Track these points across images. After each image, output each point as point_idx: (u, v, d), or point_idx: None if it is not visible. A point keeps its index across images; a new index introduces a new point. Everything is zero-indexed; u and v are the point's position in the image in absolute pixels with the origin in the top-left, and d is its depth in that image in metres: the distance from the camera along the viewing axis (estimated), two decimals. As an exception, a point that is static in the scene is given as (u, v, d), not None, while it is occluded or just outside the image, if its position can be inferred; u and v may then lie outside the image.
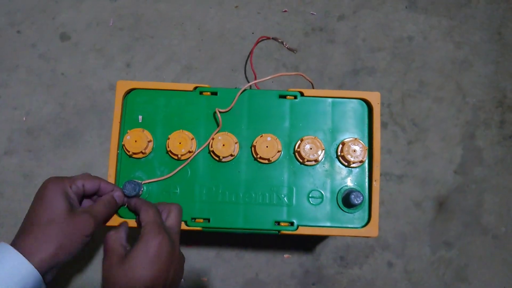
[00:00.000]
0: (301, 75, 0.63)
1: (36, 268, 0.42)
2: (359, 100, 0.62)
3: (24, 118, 0.84)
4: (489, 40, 0.89)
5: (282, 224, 0.59)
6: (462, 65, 0.88)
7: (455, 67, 0.88)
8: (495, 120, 0.87)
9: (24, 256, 0.41)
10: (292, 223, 0.59)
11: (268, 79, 0.63)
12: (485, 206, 0.85)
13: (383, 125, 0.86)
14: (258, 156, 0.59)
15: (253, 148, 0.60)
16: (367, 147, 0.59)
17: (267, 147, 0.59)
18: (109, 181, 0.59)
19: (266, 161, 0.60)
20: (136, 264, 0.45)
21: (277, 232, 0.59)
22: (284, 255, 0.82)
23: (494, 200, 0.85)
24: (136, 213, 0.55)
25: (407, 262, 0.83)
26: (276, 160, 0.60)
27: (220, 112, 0.60)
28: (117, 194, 0.55)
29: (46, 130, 0.84)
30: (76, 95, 0.85)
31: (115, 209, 0.55)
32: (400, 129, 0.86)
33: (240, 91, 0.61)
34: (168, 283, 0.47)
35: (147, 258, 0.46)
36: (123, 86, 0.61)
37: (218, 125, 0.60)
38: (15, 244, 0.43)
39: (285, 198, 0.60)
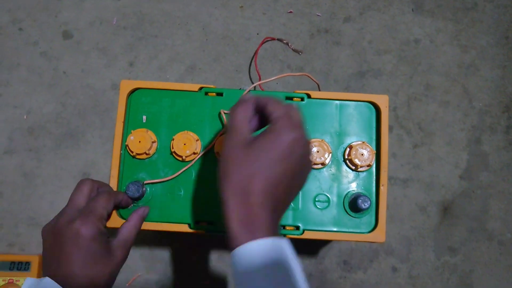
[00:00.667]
0: (307, 75, 0.62)
1: None
2: (366, 103, 0.61)
3: (25, 117, 0.83)
4: (496, 44, 0.89)
5: (287, 228, 0.58)
6: (469, 69, 0.88)
7: (462, 71, 0.87)
8: (502, 125, 0.86)
9: None
10: (297, 227, 0.58)
11: (273, 80, 0.62)
12: (491, 212, 0.84)
13: (388, 128, 0.85)
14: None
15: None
16: (374, 151, 0.59)
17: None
18: (111, 182, 0.58)
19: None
20: (264, 155, 0.39)
21: (282, 236, 0.58)
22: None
23: (500, 206, 0.84)
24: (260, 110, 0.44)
25: (411, 267, 0.82)
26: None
27: (225, 113, 0.59)
28: (143, 213, 0.56)
29: (47, 130, 0.83)
30: (78, 94, 0.84)
31: (142, 219, 0.56)
32: (406, 133, 0.85)
33: (245, 92, 0.60)
34: (291, 187, 0.41)
35: (277, 151, 0.39)
36: (127, 86, 0.60)
37: (223, 126, 0.59)
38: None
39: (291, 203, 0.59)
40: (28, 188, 0.81)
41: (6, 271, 0.77)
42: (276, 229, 0.40)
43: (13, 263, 0.77)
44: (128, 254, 0.50)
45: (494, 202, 0.84)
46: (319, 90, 0.64)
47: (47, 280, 0.43)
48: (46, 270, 0.46)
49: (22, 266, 0.77)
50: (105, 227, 0.50)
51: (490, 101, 0.87)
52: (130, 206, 0.58)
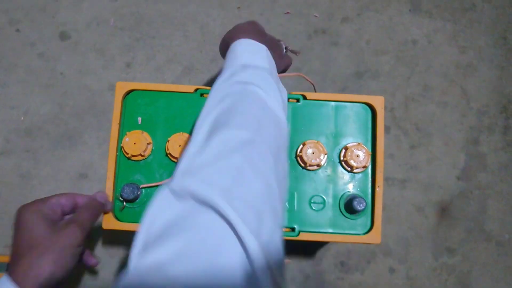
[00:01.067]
0: (301, 75, 0.62)
1: None
2: (362, 104, 0.61)
3: (22, 118, 0.83)
4: (494, 45, 0.88)
5: (283, 230, 0.58)
6: (467, 69, 0.87)
7: (460, 71, 0.87)
8: (499, 125, 0.86)
9: (20, 286, 0.40)
10: (293, 229, 0.58)
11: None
12: (489, 213, 0.84)
13: (386, 129, 0.85)
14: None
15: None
16: (370, 152, 0.58)
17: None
18: (107, 183, 0.58)
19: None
20: None
21: None
22: (285, 260, 0.81)
23: (498, 206, 0.84)
24: None
25: (409, 268, 0.82)
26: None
27: None
28: (99, 195, 0.54)
29: (44, 131, 0.83)
30: (75, 96, 0.84)
31: (99, 210, 0.52)
32: (403, 134, 0.85)
33: None
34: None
35: None
36: (122, 87, 0.60)
37: None
38: (10, 274, 0.42)
39: (286, 204, 0.58)
40: (25, 189, 0.81)
41: (3, 272, 0.77)
42: None
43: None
44: (82, 233, 0.46)
45: (492, 203, 0.84)
46: (315, 91, 0.63)
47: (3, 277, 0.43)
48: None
49: (19, 267, 0.77)
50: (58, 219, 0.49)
51: (488, 102, 0.86)
52: (122, 208, 0.57)
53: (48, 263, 0.42)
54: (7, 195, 0.81)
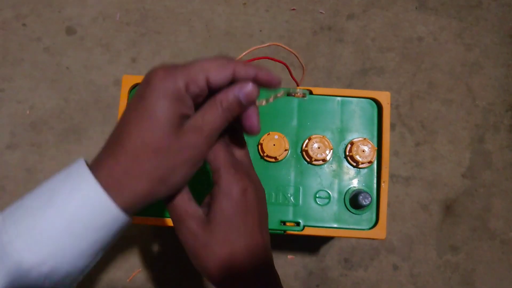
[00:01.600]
0: (278, 45, 0.61)
1: (122, 210, 0.30)
2: (368, 99, 0.61)
3: (27, 112, 0.84)
4: (500, 43, 0.88)
5: (288, 224, 0.58)
6: (473, 67, 0.87)
7: (465, 69, 0.87)
8: (505, 123, 0.86)
9: (108, 192, 0.30)
10: (298, 224, 0.58)
11: (243, 55, 0.61)
12: (493, 211, 0.84)
13: (391, 126, 0.85)
14: (265, 154, 0.58)
15: (259, 146, 0.58)
16: (376, 148, 0.58)
17: (274, 145, 0.58)
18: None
19: (273, 160, 0.58)
20: (226, 230, 0.35)
21: (282, 232, 0.58)
22: (288, 256, 0.81)
23: (503, 204, 0.84)
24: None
25: (413, 265, 0.82)
26: (283, 159, 0.59)
27: None
28: (246, 91, 0.33)
29: (50, 125, 0.83)
30: (80, 90, 0.84)
31: (232, 112, 0.34)
32: (408, 131, 0.85)
33: None
34: (264, 225, 0.38)
35: (236, 218, 0.35)
36: (129, 81, 0.60)
37: None
38: (96, 171, 0.31)
39: (291, 198, 0.58)
40: (30, 182, 0.82)
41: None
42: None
43: (15, 257, 0.77)
44: (207, 147, 0.33)
45: (497, 201, 0.84)
46: (299, 61, 0.62)
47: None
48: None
49: (23, 261, 0.77)
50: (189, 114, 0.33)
51: (493, 100, 0.86)
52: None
53: (151, 181, 0.31)
54: (12, 189, 0.81)
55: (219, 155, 0.36)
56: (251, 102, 0.34)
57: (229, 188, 0.35)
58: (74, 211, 0.30)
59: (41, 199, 0.30)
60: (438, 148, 0.85)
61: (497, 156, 0.85)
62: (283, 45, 0.57)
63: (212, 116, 0.33)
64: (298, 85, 0.59)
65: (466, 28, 0.88)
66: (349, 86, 0.86)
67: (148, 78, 0.31)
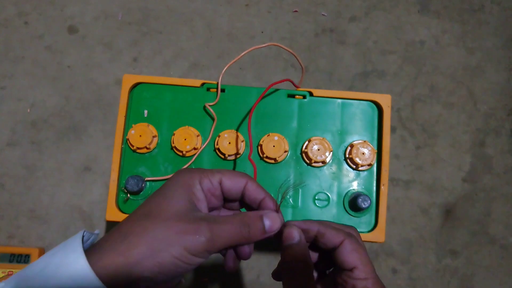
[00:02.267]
0: (277, 45, 0.60)
1: (99, 274, 0.30)
2: (369, 102, 0.61)
3: (28, 110, 0.84)
4: (503, 47, 0.88)
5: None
6: (474, 71, 0.87)
7: (467, 73, 0.87)
8: (506, 128, 0.85)
9: (98, 253, 0.31)
10: (297, 225, 0.58)
11: (241, 57, 0.61)
12: (493, 216, 0.83)
13: (392, 129, 0.84)
14: (265, 155, 0.58)
15: (259, 147, 0.58)
16: (376, 150, 0.58)
17: (274, 146, 0.58)
18: (112, 175, 0.58)
19: (273, 161, 0.58)
20: None
21: None
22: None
23: (503, 209, 0.83)
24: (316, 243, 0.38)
25: (412, 269, 0.82)
26: (283, 160, 0.59)
27: (210, 105, 0.59)
28: (270, 220, 0.35)
29: (50, 123, 0.83)
30: (81, 89, 0.84)
31: (249, 240, 0.34)
32: (409, 134, 0.85)
33: (220, 77, 0.60)
34: None
35: None
36: (129, 80, 0.60)
37: (213, 120, 0.59)
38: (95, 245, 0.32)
39: (290, 200, 0.58)
40: (29, 180, 0.81)
41: (6, 263, 0.77)
42: None
43: (13, 255, 0.77)
44: (208, 247, 0.32)
45: (497, 205, 0.84)
46: (299, 62, 0.62)
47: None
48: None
49: (21, 259, 0.77)
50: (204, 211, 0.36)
51: (495, 104, 0.86)
52: (125, 200, 0.57)
53: (141, 248, 0.31)
54: (11, 187, 0.81)
55: (369, 267, 0.37)
56: (272, 231, 0.35)
57: None
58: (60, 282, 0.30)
59: (35, 269, 0.31)
60: (439, 151, 0.84)
61: (498, 161, 0.84)
62: (282, 46, 0.57)
63: (229, 222, 0.34)
64: (298, 87, 0.59)
65: (468, 31, 0.88)
66: (350, 88, 0.85)
67: (175, 174, 0.36)
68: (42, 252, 0.79)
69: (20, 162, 0.82)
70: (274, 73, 0.85)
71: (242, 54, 0.66)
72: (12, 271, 0.76)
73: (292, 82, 0.56)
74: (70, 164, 0.82)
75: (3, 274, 0.76)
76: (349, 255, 0.36)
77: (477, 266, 0.83)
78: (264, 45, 0.64)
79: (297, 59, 0.56)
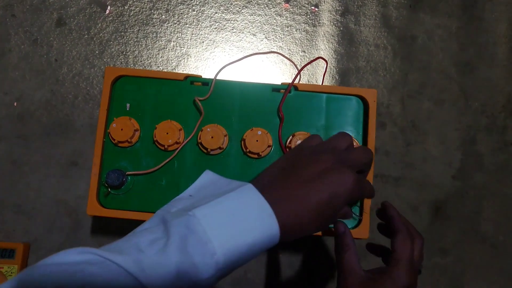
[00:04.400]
0: (278, 53, 0.60)
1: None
2: (355, 96, 0.60)
3: (15, 104, 0.83)
4: (495, 43, 0.87)
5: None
6: (466, 67, 0.86)
7: (459, 69, 0.86)
8: (498, 125, 0.84)
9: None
10: (279, 221, 0.57)
11: (239, 60, 0.61)
12: (484, 214, 0.83)
13: (382, 125, 0.83)
14: (248, 150, 0.57)
15: (242, 142, 0.57)
16: (360, 145, 0.57)
17: (257, 141, 0.57)
18: (93, 169, 0.57)
19: (256, 156, 0.57)
20: None
21: None
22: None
23: (493, 207, 0.83)
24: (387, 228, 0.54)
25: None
26: (267, 155, 0.58)
27: (200, 100, 0.58)
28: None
29: (37, 117, 0.82)
30: (68, 82, 0.84)
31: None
32: (399, 131, 0.84)
33: (216, 74, 0.59)
34: None
35: None
36: (111, 73, 0.59)
37: (201, 114, 0.58)
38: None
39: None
40: (15, 175, 0.81)
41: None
42: None
43: (-3, 250, 0.76)
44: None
45: (487, 203, 0.83)
46: (297, 69, 0.62)
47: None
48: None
49: (6, 254, 0.76)
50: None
51: (486, 101, 0.85)
52: (106, 194, 0.57)
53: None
54: (-3, 181, 0.81)
55: (406, 248, 0.48)
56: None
57: (399, 278, 0.45)
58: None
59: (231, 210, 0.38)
60: (429, 148, 0.83)
61: (489, 158, 0.83)
62: (284, 55, 0.57)
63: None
64: (297, 88, 0.58)
65: (460, 27, 0.87)
66: (341, 83, 0.84)
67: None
68: (27, 247, 0.78)
69: (6, 156, 0.81)
70: (260, 67, 0.84)
71: (243, 57, 0.66)
72: (-4, 266, 0.75)
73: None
74: (56, 158, 0.81)
75: (-13, 269, 0.75)
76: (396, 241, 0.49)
77: (467, 264, 0.82)
78: (265, 52, 0.63)
79: (294, 65, 0.55)
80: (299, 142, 0.56)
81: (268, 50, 0.85)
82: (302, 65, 0.84)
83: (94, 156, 0.58)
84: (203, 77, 0.60)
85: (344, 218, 0.48)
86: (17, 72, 0.84)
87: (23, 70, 0.84)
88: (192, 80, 0.60)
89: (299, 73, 0.61)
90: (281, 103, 0.58)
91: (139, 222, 0.78)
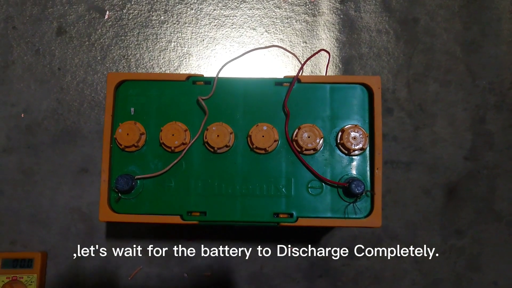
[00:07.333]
0: (279, 47, 0.60)
1: None
2: (359, 85, 0.59)
3: (22, 115, 0.83)
4: (499, 19, 0.85)
5: (281, 215, 0.57)
6: (471, 46, 0.85)
7: (464, 48, 0.84)
8: (507, 102, 0.83)
9: None
10: (291, 215, 0.57)
11: (241, 56, 0.60)
12: (498, 192, 0.82)
13: (389, 111, 0.83)
14: (254, 146, 0.57)
15: (249, 138, 0.57)
16: (367, 134, 0.57)
17: (263, 136, 0.57)
18: (102, 175, 0.58)
19: (263, 151, 0.57)
20: None
21: (276, 224, 0.57)
22: (288, 247, 0.80)
23: (507, 185, 0.82)
24: None
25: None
26: (273, 150, 0.58)
27: (203, 99, 0.58)
28: None
29: (44, 127, 0.83)
30: (72, 90, 0.84)
31: None
32: (407, 115, 0.83)
33: (217, 73, 0.59)
34: None
35: None
36: (114, 78, 0.59)
37: (205, 113, 0.58)
38: None
39: (283, 189, 0.57)
40: (27, 185, 0.82)
41: (10, 268, 0.77)
42: None
43: (16, 260, 0.78)
44: None
45: (501, 182, 0.82)
46: (300, 62, 0.61)
47: None
48: None
49: (25, 263, 0.78)
50: None
51: (494, 79, 0.84)
52: (117, 200, 0.57)
53: None
54: (10, 192, 0.82)
55: None
56: None
57: None
58: None
59: None
60: (438, 131, 0.83)
61: (500, 137, 0.82)
62: (285, 48, 0.57)
63: None
64: (300, 81, 0.58)
65: (463, 6, 0.86)
66: (345, 71, 0.84)
67: None
68: (44, 255, 0.79)
69: (17, 167, 0.82)
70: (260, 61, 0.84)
71: (244, 53, 0.66)
72: (16, 276, 0.77)
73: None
74: (66, 166, 0.82)
75: (7, 280, 0.76)
76: None
77: (484, 244, 0.81)
78: (266, 46, 0.63)
79: (297, 58, 0.55)
80: (305, 135, 0.56)
81: (269, 43, 0.84)
82: (304, 56, 0.84)
83: (102, 163, 0.58)
84: (205, 76, 0.60)
85: None
86: (22, 84, 0.84)
87: (28, 81, 0.84)
88: (194, 80, 0.60)
89: (302, 67, 0.61)
90: (286, 99, 0.58)
91: (152, 225, 0.79)
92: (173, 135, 0.57)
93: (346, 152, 0.57)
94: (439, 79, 0.84)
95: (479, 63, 0.84)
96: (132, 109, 0.59)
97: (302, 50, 0.84)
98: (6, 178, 0.82)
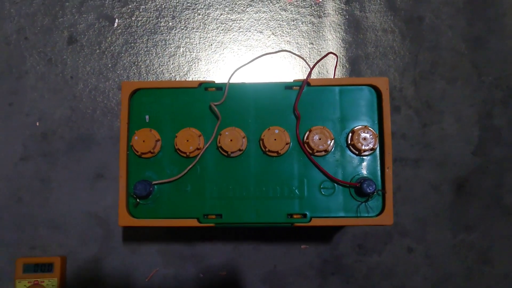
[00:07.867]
0: (287, 51, 0.62)
1: None
2: (367, 86, 0.61)
3: (37, 124, 0.86)
4: (504, 14, 0.86)
5: (294, 216, 0.59)
6: (476, 42, 0.85)
7: (469, 44, 0.85)
8: (513, 97, 0.84)
9: None
10: (305, 215, 0.58)
11: (250, 62, 0.62)
12: (506, 187, 0.83)
13: (396, 109, 0.84)
14: (267, 149, 0.58)
15: (261, 142, 0.59)
16: (377, 134, 0.58)
17: (275, 140, 0.58)
18: (120, 182, 0.59)
19: (275, 154, 0.59)
20: None
21: (290, 225, 0.59)
22: (301, 246, 0.82)
23: (516, 179, 0.83)
24: None
25: (427, 247, 0.82)
26: (285, 152, 0.60)
27: (215, 105, 0.59)
28: None
29: (59, 134, 0.85)
30: (85, 98, 0.86)
31: None
32: (414, 113, 0.84)
33: (229, 79, 0.60)
34: None
35: None
36: (128, 87, 0.61)
37: (218, 119, 0.59)
38: None
39: (296, 191, 0.59)
40: (45, 192, 0.84)
41: (31, 273, 0.80)
42: None
43: (37, 265, 0.80)
44: None
45: (509, 176, 0.83)
46: (308, 66, 0.63)
47: None
48: None
49: (45, 268, 0.80)
50: None
51: (500, 74, 0.85)
52: (135, 205, 0.59)
53: None
54: (29, 200, 0.84)
55: None
56: None
57: None
58: None
59: None
60: (446, 127, 0.84)
61: (507, 131, 0.83)
62: (292, 52, 0.59)
63: None
64: (309, 84, 0.59)
65: (467, 2, 0.87)
66: (352, 72, 0.85)
67: None
68: (64, 260, 0.82)
69: (34, 175, 0.84)
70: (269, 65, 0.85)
71: (253, 59, 0.67)
72: (38, 281, 0.79)
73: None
74: (82, 173, 0.84)
75: (29, 284, 0.79)
76: None
77: (494, 238, 0.82)
78: (275, 51, 0.64)
79: (305, 61, 0.56)
80: (316, 137, 0.58)
81: (276, 46, 0.86)
82: (311, 57, 0.85)
83: (120, 169, 0.60)
84: (216, 82, 0.62)
85: None
86: (35, 93, 0.86)
87: (41, 90, 0.86)
88: (206, 87, 0.61)
89: (311, 71, 0.62)
90: (296, 102, 0.59)
91: (168, 228, 0.81)
92: (187, 140, 0.58)
93: (357, 152, 0.59)
94: (446, 76, 0.85)
95: (484, 59, 0.85)
96: (147, 117, 0.61)
97: (309, 51, 0.86)
98: (24, 186, 0.84)
